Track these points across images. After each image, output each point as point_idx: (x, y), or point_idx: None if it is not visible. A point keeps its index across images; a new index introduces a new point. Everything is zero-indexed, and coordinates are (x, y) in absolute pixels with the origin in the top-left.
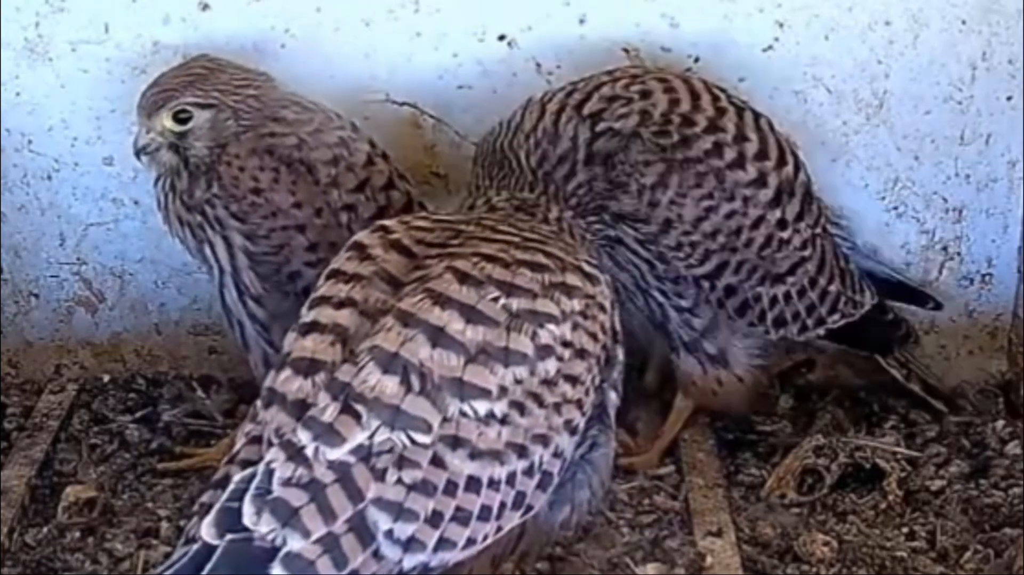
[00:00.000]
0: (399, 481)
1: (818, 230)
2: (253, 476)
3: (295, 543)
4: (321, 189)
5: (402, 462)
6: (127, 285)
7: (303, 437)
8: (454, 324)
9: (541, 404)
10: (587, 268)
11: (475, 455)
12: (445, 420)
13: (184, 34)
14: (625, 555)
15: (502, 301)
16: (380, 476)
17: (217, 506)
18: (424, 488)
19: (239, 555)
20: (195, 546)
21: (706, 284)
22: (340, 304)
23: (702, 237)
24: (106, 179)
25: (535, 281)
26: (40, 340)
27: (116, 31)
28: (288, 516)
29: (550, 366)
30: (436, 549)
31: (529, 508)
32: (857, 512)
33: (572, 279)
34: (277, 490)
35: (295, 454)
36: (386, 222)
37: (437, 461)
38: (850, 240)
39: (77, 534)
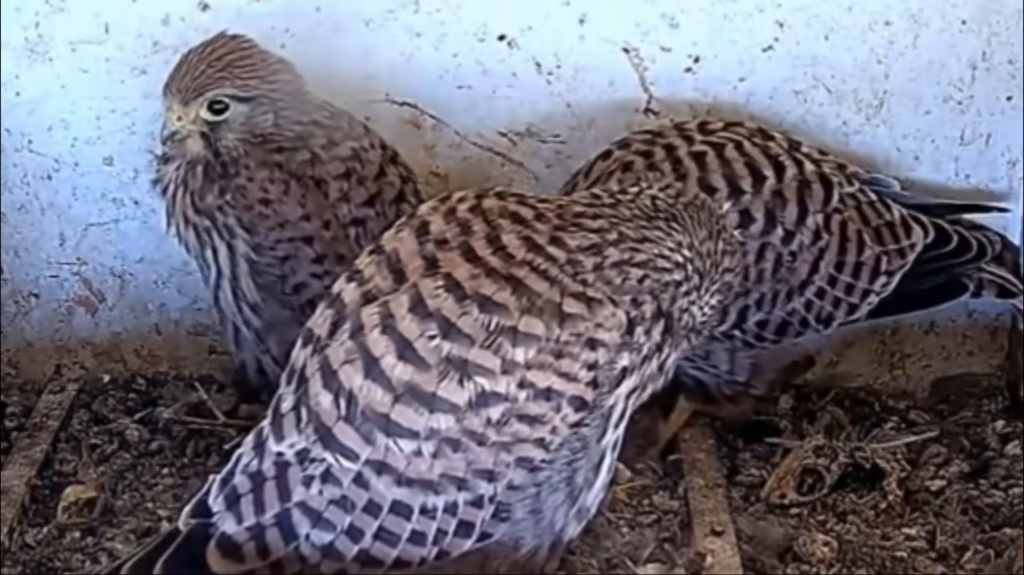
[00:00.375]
0: (321, 493)
1: (830, 207)
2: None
3: (229, 526)
4: (331, 203)
5: (327, 476)
6: (127, 285)
7: (265, 424)
8: (388, 358)
9: (482, 443)
10: (590, 294)
11: (403, 482)
12: (373, 450)
13: (184, 34)
14: (625, 555)
15: (437, 342)
16: (307, 483)
17: (199, 494)
18: (343, 504)
19: (195, 538)
20: (166, 531)
21: (737, 332)
22: (350, 276)
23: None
24: (106, 179)
25: (481, 325)
26: (40, 340)
27: (116, 31)
28: (233, 501)
29: (493, 412)
30: (361, 563)
31: (485, 535)
32: (857, 512)
33: (531, 323)
34: (237, 476)
35: (258, 443)
36: (453, 199)
37: (361, 482)
38: (888, 186)
39: (77, 534)
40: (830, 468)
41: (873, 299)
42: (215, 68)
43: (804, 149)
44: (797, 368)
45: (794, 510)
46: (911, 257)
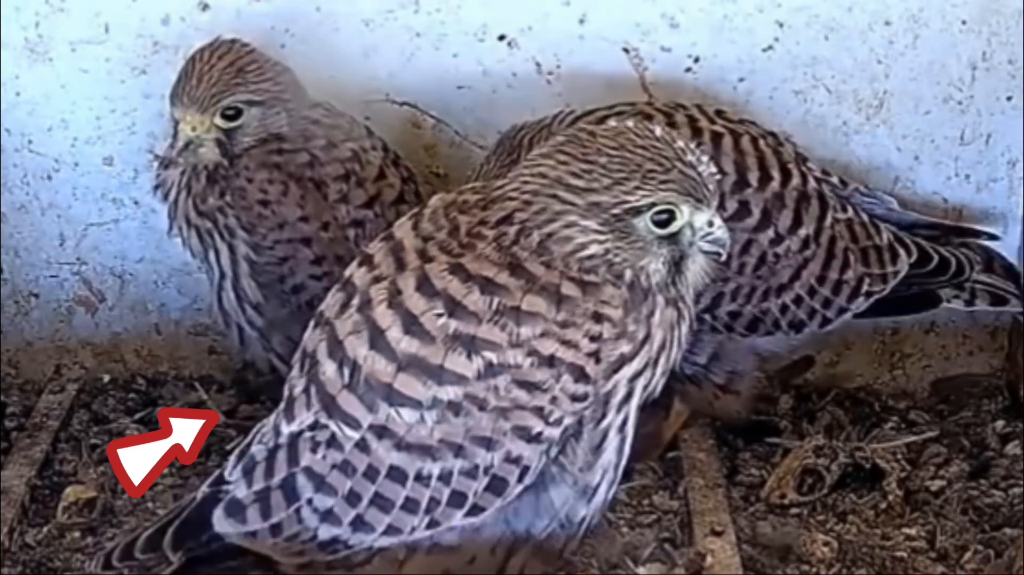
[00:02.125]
0: (325, 458)
1: (825, 222)
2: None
3: (239, 492)
4: (330, 204)
5: (332, 442)
6: (127, 285)
7: (282, 404)
8: (394, 331)
9: (483, 408)
10: (586, 278)
11: (402, 447)
12: (375, 418)
13: (184, 34)
14: (625, 555)
15: (443, 320)
16: (314, 448)
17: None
18: (344, 468)
19: (206, 504)
20: (181, 505)
21: (707, 317)
22: (362, 261)
23: None
24: (106, 179)
25: (486, 304)
26: (40, 340)
27: (116, 31)
28: (249, 470)
29: (498, 381)
30: (354, 528)
31: (476, 509)
32: (857, 512)
33: (535, 302)
34: (254, 447)
35: (276, 422)
36: (446, 196)
37: (362, 446)
38: (883, 203)
39: (77, 534)
40: (830, 468)
41: (847, 316)
42: (229, 75)
43: (810, 164)
44: (797, 368)
45: (794, 510)
46: (891, 283)
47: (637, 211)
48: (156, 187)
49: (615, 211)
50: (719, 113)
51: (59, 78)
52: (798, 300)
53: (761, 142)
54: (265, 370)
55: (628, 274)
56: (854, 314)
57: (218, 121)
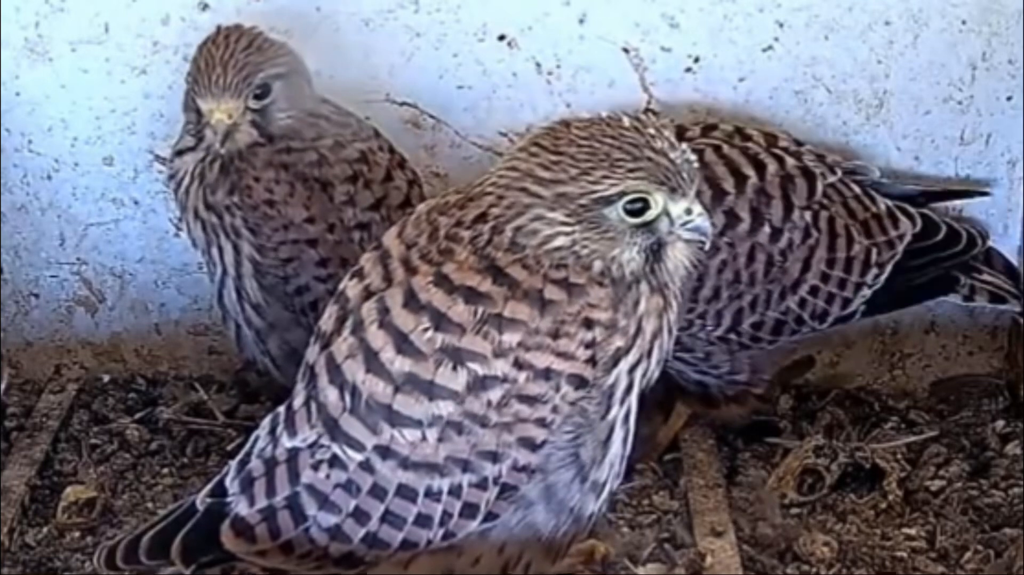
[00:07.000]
0: (328, 477)
1: (815, 201)
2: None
3: (242, 508)
4: (336, 206)
5: (334, 461)
6: (127, 285)
7: (281, 410)
8: (386, 352)
9: (484, 425)
10: (572, 280)
11: (408, 466)
12: (378, 439)
13: (184, 34)
14: (625, 555)
15: (430, 334)
16: (315, 467)
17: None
18: (348, 488)
19: (211, 517)
20: (182, 507)
21: (733, 336)
22: (354, 273)
23: (705, 304)
24: (106, 179)
25: (469, 314)
26: (40, 340)
27: (116, 31)
28: (247, 484)
29: (492, 395)
30: (368, 545)
31: (491, 516)
32: (857, 512)
33: (517, 309)
34: (252, 460)
35: (274, 428)
36: (433, 200)
37: (367, 467)
38: (870, 176)
39: (77, 534)
40: (830, 468)
41: (866, 292)
42: (251, 54)
43: (781, 143)
44: (797, 368)
45: (794, 510)
46: (900, 247)
47: (607, 201)
48: (170, 176)
49: (582, 201)
50: (679, 134)
51: (59, 78)
52: (814, 290)
53: (725, 147)
54: (263, 370)
55: (598, 265)
56: (883, 303)
57: (251, 103)
